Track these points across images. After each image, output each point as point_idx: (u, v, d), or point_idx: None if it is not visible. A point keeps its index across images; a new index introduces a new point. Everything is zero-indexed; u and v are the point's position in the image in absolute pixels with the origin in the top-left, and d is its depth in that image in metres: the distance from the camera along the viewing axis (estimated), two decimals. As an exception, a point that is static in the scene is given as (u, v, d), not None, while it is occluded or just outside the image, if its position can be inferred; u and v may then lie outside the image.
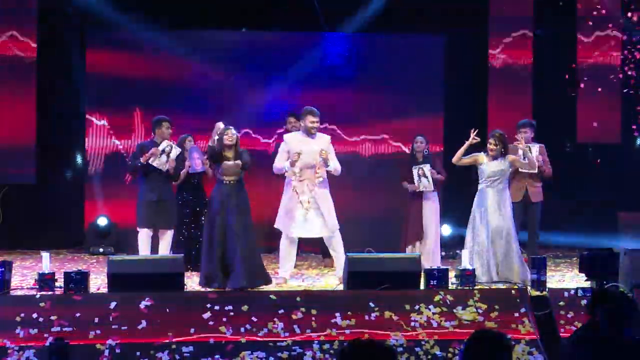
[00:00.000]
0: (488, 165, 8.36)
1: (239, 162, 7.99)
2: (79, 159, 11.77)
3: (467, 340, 3.73)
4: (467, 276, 7.54)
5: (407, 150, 11.41)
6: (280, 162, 8.49)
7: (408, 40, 11.64)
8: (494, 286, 7.82)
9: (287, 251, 8.45)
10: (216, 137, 8.06)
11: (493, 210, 8.25)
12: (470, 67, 11.62)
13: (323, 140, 8.53)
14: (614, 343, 4.44)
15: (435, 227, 9.47)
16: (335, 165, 8.47)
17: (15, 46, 11.20)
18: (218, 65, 11.43)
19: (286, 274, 8.41)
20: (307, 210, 8.29)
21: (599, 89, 11.74)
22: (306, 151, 8.30)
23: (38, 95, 11.26)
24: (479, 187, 8.42)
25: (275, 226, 8.55)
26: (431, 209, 9.46)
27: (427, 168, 9.33)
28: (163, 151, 8.78)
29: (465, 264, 7.74)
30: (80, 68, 11.37)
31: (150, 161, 8.73)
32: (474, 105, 11.67)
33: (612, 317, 4.55)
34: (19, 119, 11.19)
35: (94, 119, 11.39)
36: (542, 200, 9.20)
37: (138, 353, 6.60)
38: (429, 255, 9.26)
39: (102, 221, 11.06)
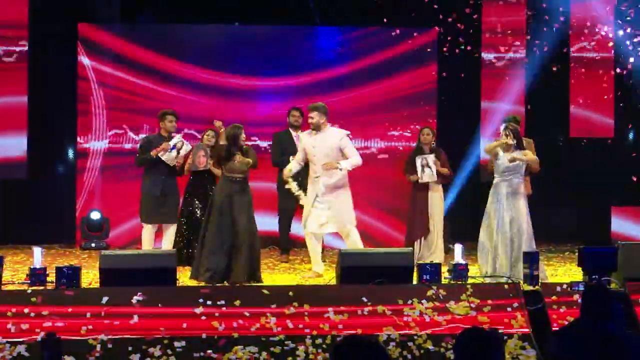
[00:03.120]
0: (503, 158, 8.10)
1: (249, 160, 8.10)
2: (70, 153, 11.72)
3: (458, 338, 3.71)
4: (459, 270, 7.52)
5: (399, 145, 11.40)
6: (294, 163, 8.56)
7: (402, 33, 11.58)
8: (486, 280, 7.82)
9: (311, 246, 8.51)
10: (221, 134, 8.11)
11: (505, 206, 8.05)
12: (463, 60, 11.57)
13: (336, 136, 8.39)
14: (597, 337, 4.46)
15: (441, 220, 9.36)
16: (352, 163, 8.31)
17: (7, 40, 11.14)
18: (210, 60, 11.40)
19: (318, 268, 8.50)
20: (318, 205, 8.29)
21: (592, 83, 11.74)
22: (319, 148, 8.33)
23: (29, 89, 11.20)
24: (494, 181, 8.19)
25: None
26: (437, 201, 9.34)
27: (431, 158, 9.17)
28: (174, 146, 8.77)
29: (458, 258, 7.70)
30: (72, 61, 11.30)
31: (159, 155, 8.73)
32: (468, 98, 11.65)
33: (595, 312, 4.57)
34: (10, 112, 11.13)
35: (86, 112, 11.35)
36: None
37: (130, 348, 6.58)
38: (436, 248, 9.22)
39: (95, 215, 11.02)
